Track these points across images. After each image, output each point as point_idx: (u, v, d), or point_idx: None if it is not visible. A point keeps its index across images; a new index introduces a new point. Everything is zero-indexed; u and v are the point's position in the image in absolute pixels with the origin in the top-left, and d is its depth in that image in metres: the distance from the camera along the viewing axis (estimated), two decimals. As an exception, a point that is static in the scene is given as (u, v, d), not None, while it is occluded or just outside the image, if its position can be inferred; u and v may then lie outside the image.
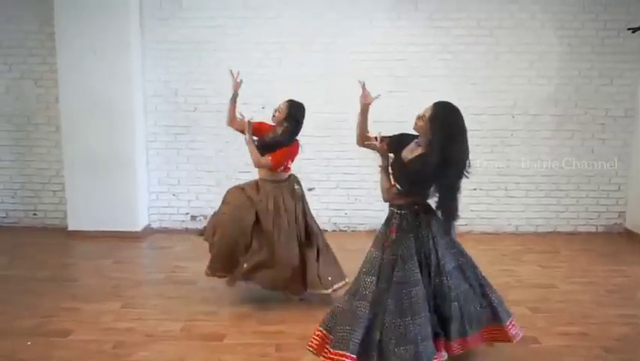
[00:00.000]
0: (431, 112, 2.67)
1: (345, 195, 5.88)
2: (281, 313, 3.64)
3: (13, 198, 5.95)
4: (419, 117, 2.73)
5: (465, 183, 5.90)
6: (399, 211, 2.80)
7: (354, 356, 2.57)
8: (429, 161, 2.62)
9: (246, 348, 3.15)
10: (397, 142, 2.86)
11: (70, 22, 5.27)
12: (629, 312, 3.73)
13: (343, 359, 2.56)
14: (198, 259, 4.25)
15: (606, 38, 5.67)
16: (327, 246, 3.87)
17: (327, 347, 2.69)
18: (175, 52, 5.70)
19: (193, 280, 4.20)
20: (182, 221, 5.93)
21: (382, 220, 2.93)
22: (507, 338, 2.90)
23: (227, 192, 3.84)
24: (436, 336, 2.68)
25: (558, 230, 5.94)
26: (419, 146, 2.76)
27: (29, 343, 3.16)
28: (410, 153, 2.79)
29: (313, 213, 3.96)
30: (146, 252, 5.31)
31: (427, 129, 2.67)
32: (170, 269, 4.53)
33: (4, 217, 5.97)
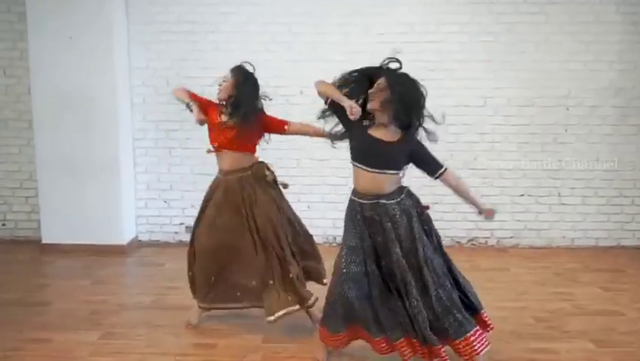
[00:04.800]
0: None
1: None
2: (294, 346, 3.47)
3: (-22, 205, 5.96)
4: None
5: (511, 189, 5.75)
6: None
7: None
8: None
9: (249, 391, 2.99)
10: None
11: (44, 1, 5.22)
12: None
13: None
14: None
15: (680, 15, 5.55)
16: None
17: None
18: (166, 34, 5.68)
19: (187, 305, 4.02)
20: (176, 233, 5.92)
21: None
22: None
23: None
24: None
25: (622, 244, 5.83)
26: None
27: (-13, 384, 3.04)
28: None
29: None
30: (133, 270, 5.27)
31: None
32: (160, 291, 4.46)
33: (-33, 228, 5.98)
